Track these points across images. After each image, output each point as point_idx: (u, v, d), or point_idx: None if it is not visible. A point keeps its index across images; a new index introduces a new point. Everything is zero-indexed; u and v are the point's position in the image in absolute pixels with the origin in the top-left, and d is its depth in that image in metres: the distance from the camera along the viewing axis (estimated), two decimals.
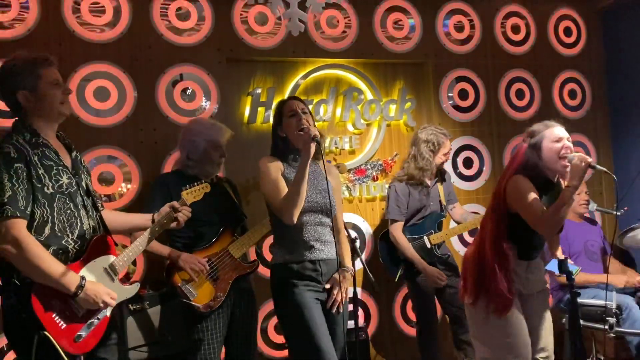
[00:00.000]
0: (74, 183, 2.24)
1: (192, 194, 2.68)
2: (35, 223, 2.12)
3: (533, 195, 2.56)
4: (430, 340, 3.80)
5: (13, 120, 2.27)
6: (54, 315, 2.11)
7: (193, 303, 2.94)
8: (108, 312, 2.25)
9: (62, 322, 2.12)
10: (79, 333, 2.15)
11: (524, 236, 2.67)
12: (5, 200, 2.04)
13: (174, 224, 2.51)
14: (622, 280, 3.85)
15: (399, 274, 3.79)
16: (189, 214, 2.54)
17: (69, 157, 2.31)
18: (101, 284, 2.21)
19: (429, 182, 3.80)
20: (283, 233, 2.68)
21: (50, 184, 2.15)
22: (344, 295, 2.67)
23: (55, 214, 2.15)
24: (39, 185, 2.13)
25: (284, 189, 2.59)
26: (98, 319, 2.21)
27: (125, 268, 2.36)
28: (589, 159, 2.50)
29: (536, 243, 2.74)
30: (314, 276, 2.62)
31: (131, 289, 2.38)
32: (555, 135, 2.64)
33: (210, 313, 2.98)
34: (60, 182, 2.18)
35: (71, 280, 2.11)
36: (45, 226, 2.14)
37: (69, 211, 2.19)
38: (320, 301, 2.63)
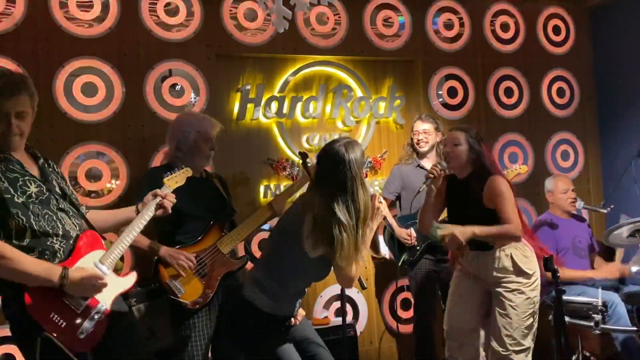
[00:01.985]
0: (44, 190, 2.21)
1: (174, 179, 2.63)
2: (14, 231, 2.11)
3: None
4: (424, 334, 3.82)
5: None
6: (52, 315, 2.09)
7: (181, 300, 2.92)
8: (108, 305, 2.24)
9: (62, 321, 2.10)
10: (81, 329, 2.13)
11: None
12: None
13: (160, 211, 2.45)
14: (614, 269, 3.87)
15: (402, 259, 3.81)
16: (174, 199, 2.49)
17: (35, 166, 2.27)
18: (85, 268, 2.18)
19: (427, 165, 3.85)
20: (288, 285, 2.43)
21: (17, 195, 2.12)
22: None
23: (32, 220, 2.13)
24: (8, 196, 2.10)
25: None
26: (99, 312, 2.19)
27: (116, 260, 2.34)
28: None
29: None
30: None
31: (127, 280, 2.35)
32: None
33: (197, 310, 2.96)
34: (29, 192, 2.15)
35: (52, 272, 2.09)
36: (25, 232, 2.12)
37: (46, 216, 2.17)
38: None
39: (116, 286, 2.29)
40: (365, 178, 2.46)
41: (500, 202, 3.02)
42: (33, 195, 2.16)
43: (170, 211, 2.47)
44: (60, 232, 2.19)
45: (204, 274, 3.00)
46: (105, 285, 2.21)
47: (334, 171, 2.34)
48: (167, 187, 2.57)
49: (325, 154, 2.42)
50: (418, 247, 3.77)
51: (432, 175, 3.10)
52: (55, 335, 2.05)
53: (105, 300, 2.23)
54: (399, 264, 3.84)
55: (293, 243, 2.37)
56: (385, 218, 3.14)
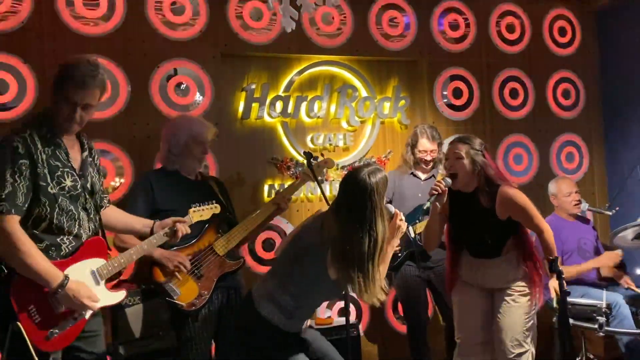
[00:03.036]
0: (78, 186, 2.24)
1: (199, 212, 2.66)
2: (33, 217, 2.14)
3: None
4: (418, 339, 3.81)
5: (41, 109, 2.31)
6: (30, 308, 2.10)
7: (177, 302, 2.89)
8: (87, 315, 2.24)
9: (37, 317, 2.12)
10: (51, 330, 2.14)
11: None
12: (4, 196, 2.06)
13: (172, 240, 2.53)
14: (614, 255, 3.88)
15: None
16: (188, 231, 2.57)
17: (80, 156, 2.31)
18: (85, 285, 2.20)
19: (421, 175, 3.86)
20: (304, 302, 2.43)
21: (52, 185, 2.16)
22: None
23: (55, 213, 2.16)
24: (44, 184, 2.14)
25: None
26: (75, 319, 2.20)
27: (113, 273, 2.35)
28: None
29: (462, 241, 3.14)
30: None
31: (116, 296, 2.36)
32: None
33: (196, 311, 2.93)
34: (63, 185, 2.19)
35: (54, 277, 2.12)
36: (43, 222, 2.16)
37: (70, 212, 2.20)
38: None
39: (104, 299, 2.28)
40: (385, 204, 2.44)
41: (527, 214, 2.96)
42: (66, 188, 2.20)
43: (178, 240, 2.56)
44: (74, 232, 2.22)
45: (199, 276, 2.97)
46: (95, 309, 2.22)
47: (355, 200, 2.33)
48: (189, 217, 2.62)
49: (348, 181, 2.42)
50: (399, 254, 3.77)
51: (435, 192, 2.98)
52: (26, 328, 2.06)
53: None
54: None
55: (313, 263, 2.36)
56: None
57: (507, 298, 3.02)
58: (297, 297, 2.39)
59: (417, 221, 3.73)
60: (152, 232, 2.50)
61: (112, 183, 3.59)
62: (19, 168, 2.09)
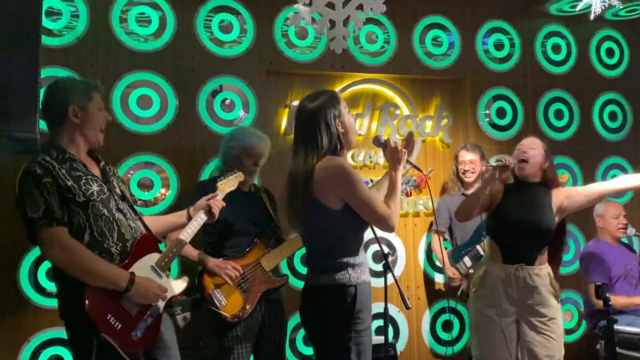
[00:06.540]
0: (105, 190, 2.28)
1: (227, 183, 2.66)
2: (74, 230, 2.18)
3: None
4: None
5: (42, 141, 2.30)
6: (108, 317, 2.14)
7: (221, 312, 2.94)
8: (161, 309, 2.29)
9: (117, 323, 2.15)
10: (135, 331, 2.19)
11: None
12: (41, 214, 2.11)
13: (209, 219, 2.52)
14: None
15: (461, 259, 3.85)
16: (223, 204, 2.55)
17: (97, 168, 2.36)
18: (151, 278, 2.25)
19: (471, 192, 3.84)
20: (358, 251, 2.40)
21: (81, 193, 2.19)
22: None
23: (91, 220, 2.20)
24: (70, 195, 2.17)
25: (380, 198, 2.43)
26: (152, 316, 2.24)
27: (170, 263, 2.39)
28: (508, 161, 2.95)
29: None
30: None
31: (180, 285, 2.41)
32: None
33: (238, 323, 2.98)
34: (91, 191, 2.22)
35: (121, 276, 2.16)
36: (84, 233, 2.19)
37: (104, 217, 2.23)
38: None
39: (170, 289, 2.33)
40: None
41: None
42: (95, 193, 2.23)
43: (216, 217, 2.53)
44: (116, 235, 2.25)
45: (245, 289, 3.02)
46: (166, 297, 2.27)
47: (303, 129, 2.44)
48: (220, 191, 2.62)
49: (295, 117, 2.50)
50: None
51: (500, 162, 2.94)
52: (110, 336, 2.10)
53: (158, 303, 2.28)
54: (449, 256, 3.89)
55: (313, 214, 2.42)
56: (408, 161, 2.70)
57: (545, 328, 2.84)
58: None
59: (483, 238, 3.63)
60: (190, 219, 2.52)
61: (157, 195, 3.67)
62: (44, 186, 2.13)
